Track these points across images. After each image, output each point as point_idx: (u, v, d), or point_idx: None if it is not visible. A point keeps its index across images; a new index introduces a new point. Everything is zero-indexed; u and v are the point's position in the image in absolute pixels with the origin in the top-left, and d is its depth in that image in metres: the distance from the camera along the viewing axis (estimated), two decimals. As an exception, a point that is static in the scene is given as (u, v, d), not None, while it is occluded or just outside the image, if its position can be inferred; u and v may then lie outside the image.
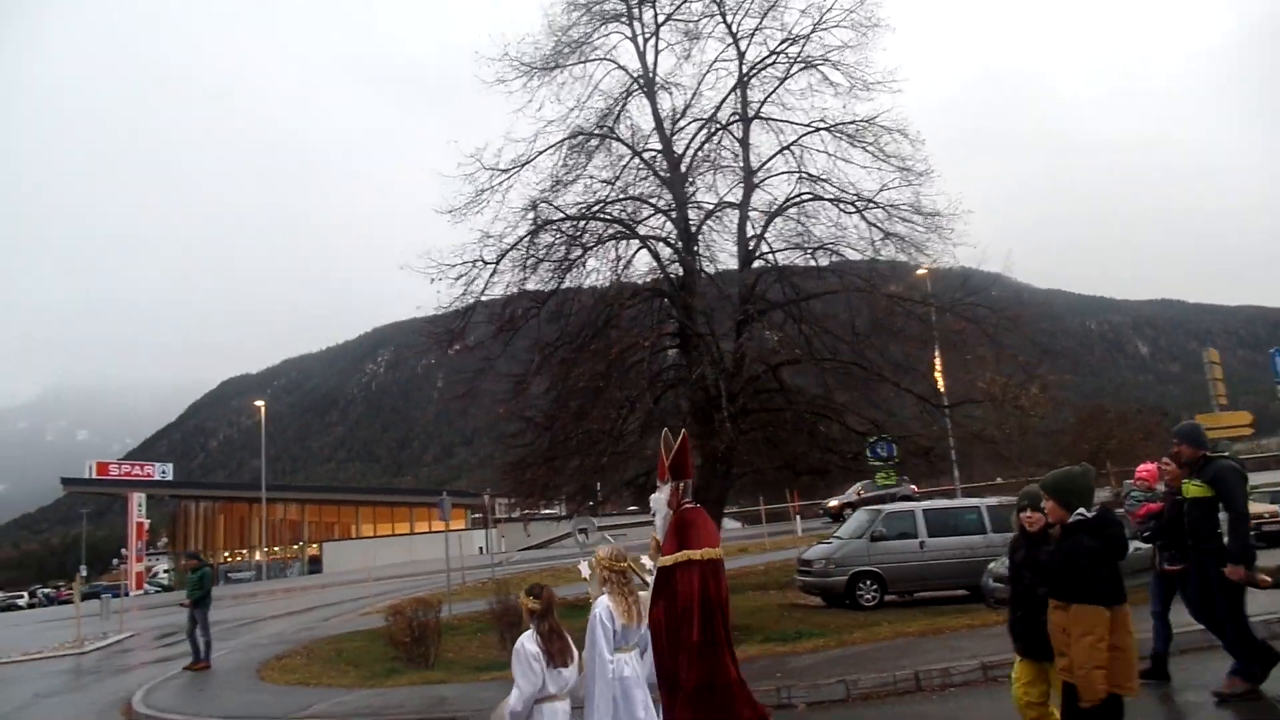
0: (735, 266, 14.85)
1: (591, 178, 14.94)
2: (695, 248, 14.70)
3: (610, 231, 14.65)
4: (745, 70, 14.89)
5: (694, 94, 15.28)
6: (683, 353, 14.29)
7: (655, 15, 15.00)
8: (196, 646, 14.68)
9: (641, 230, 14.85)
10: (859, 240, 14.26)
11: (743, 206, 14.71)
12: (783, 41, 14.70)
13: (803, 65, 14.64)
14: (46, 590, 66.41)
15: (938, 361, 14.28)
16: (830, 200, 14.38)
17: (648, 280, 14.56)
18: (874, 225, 14.15)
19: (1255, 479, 10.35)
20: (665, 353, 14.80)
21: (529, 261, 14.17)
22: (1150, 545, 7.79)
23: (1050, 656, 4.51)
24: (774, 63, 14.87)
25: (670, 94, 15.32)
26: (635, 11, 14.99)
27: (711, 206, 15.08)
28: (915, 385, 13.97)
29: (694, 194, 14.92)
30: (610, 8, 15.02)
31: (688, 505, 6.28)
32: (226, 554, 68.45)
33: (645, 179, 15.14)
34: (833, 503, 34.67)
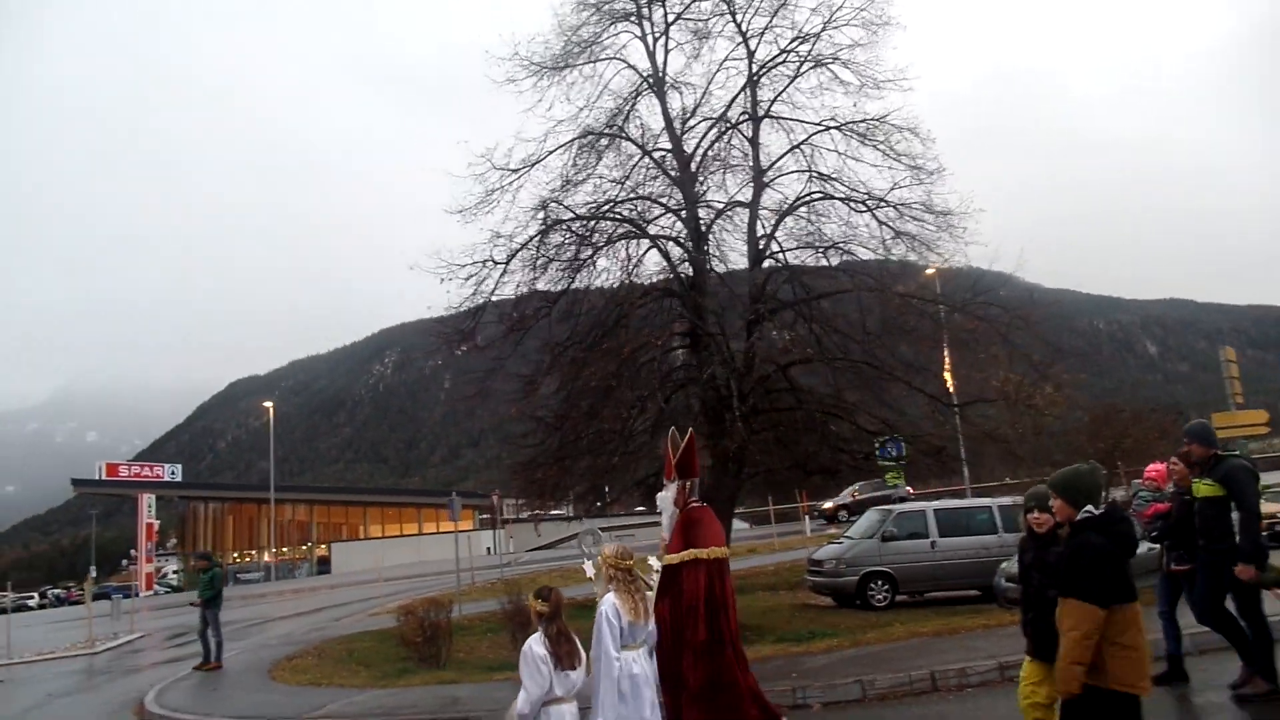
0: (745, 266, 14.81)
1: (601, 177, 14.94)
2: (706, 247, 14.66)
3: (620, 231, 14.62)
4: (755, 69, 14.84)
5: (704, 93, 15.25)
6: (693, 352, 14.25)
7: (665, 14, 14.96)
8: (207, 646, 14.72)
9: (652, 230, 14.82)
10: (870, 239, 14.21)
11: (753, 206, 14.67)
12: (793, 40, 14.65)
13: (813, 64, 14.58)
14: (57, 591, 66.68)
15: (949, 361, 14.22)
16: (841, 199, 14.32)
17: (658, 280, 14.54)
18: (885, 224, 14.09)
19: (1267, 478, 10.27)
20: (675, 352, 14.77)
21: (539, 261, 14.16)
22: (1158, 545, 7.76)
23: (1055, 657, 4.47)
24: (784, 61, 14.82)
25: (680, 93, 15.30)
26: (645, 11, 14.95)
27: (722, 206, 15.05)
28: (927, 385, 13.91)
29: (704, 193, 14.89)
30: (620, 7, 14.99)
31: (694, 504, 6.28)
32: (235, 555, 68.69)
33: (655, 178, 15.12)
34: (828, 505, 34.68)
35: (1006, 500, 15.69)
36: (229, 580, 52.18)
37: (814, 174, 14.61)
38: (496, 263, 14.06)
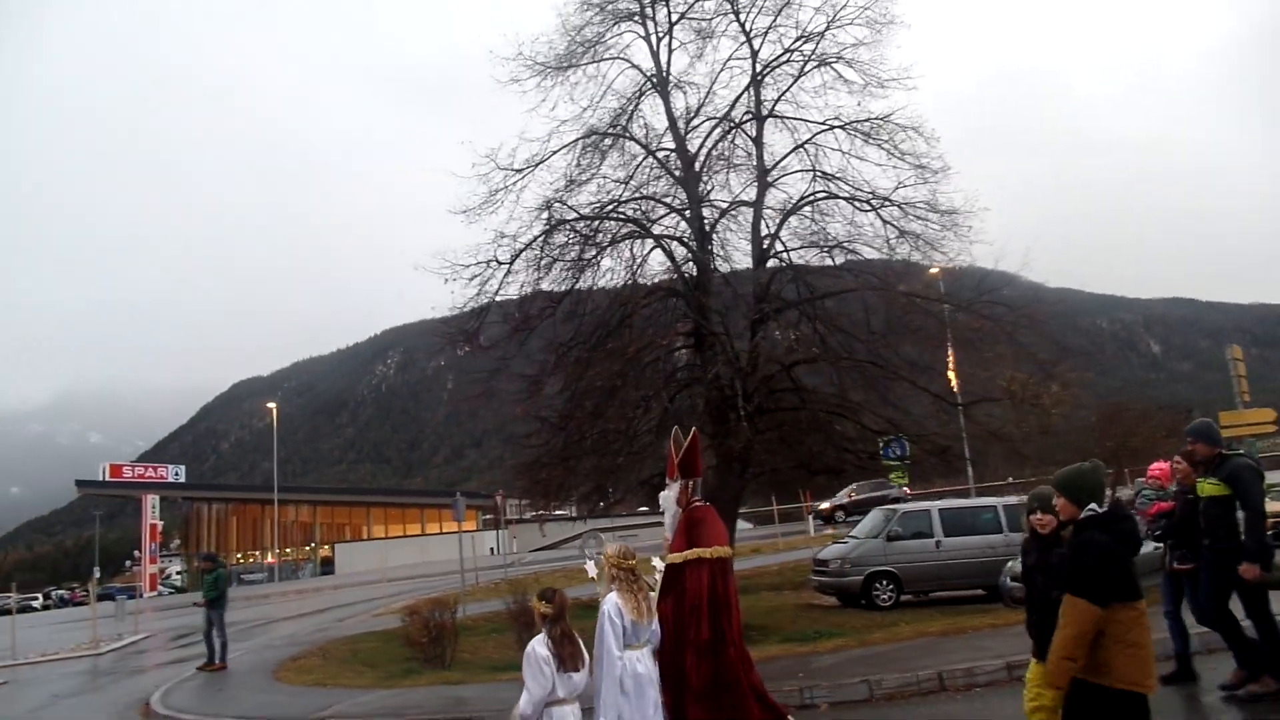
0: (750, 265, 14.79)
1: (605, 177, 14.94)
2: (710, 247, 14.65)
3: (624, 231, 14.62)
4: (759, 68, 14.83)
5: (707, 92, 15.25)
6: (697, 352, 14.24)
7: (669, 14, 14.96)
8: (211, 647, 14.73)
9: (656, 230, 14.82)
10: (875, 238, 14.19)
11: (757, 205, 14.65)
12: (797, 39, 14.64)
13: (817, 63, 14.56)
14: (61, 592, 66.76)
15: (952, 360, 14.19)
16: (845, 198, 14.31)
17: (662, 280, 14.53)
18: (889, 223, 14.08)
19: (1272, 477, 10.24)
20: (680, 352, 14.76)
21: (543, 261, 14.16)
22: (1161, 544, 7.74)
23: None
24: (788, 60, 14.80)
25: (684, 93, 15.30)
26: (648, 10, 14.94)
27: (726, 205, 15.04)
28: (931, 384, 13.89)
29: (708, 193, 14.87)
30: (623, 6, 14.98)
31: (697, 503, 6.27)
32: (239, 555, 68.70)
33: (659, 178, 15.11)
34: (824, 505, 34.76)
35: (1011, 499, 15.67)
36: (233, 581, 52.28)
37: (818, 173, 14.60)
38: (501, 263, 14.07)
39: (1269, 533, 6.82)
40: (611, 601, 5.17)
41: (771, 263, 14.60)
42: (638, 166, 15.04)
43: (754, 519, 43.39)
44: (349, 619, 21.90)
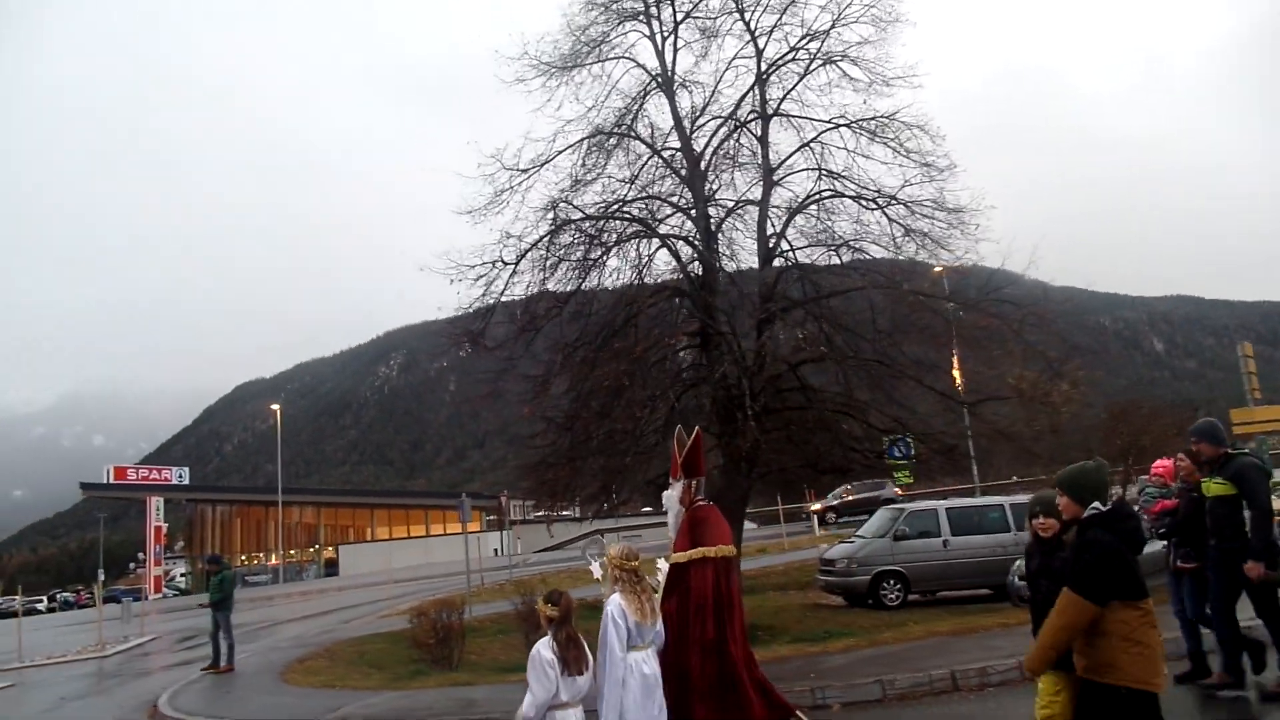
0: (755, 264, 14.76)
1: (610, 177, 14.90)
2: (715, 246, 14.61)
3: (630, 231, 14.58)
4: (764, 67, 14.79)
5: (713, 92, 15.21)
6: (703, 351, 14.20)
7: (674, 13, 14.92)
8: (217, 649, 14.72)
9: (661, 229, 14.78)
10: (881, 236, 14.14)
11: (763, 204, 14.61)
12: (802, 38, 14.60)
13: (822, 61, 14.52)
14: (65, 594, 66.75)
15: (957, 359, 14.14)
16: (851, 197, 14.26)
17: (668, 279, 14.49)
18: (895, 222, 14.02)
19: (1278, 475, 10.19)
20: (686, 352, 14.73)
21: (549, 261, 14.12)
22: (1165, 543, 7.72)
23: (1074, 666, 4.42)
24: (793, 59, 14.76)
25: (689, 92, 15.26)
26: (653, 10, 14.92)
27: (731, 204, 15.02)
28: (938, 383, 13.84)
29: (714, 192, 14.86)
30: (628, 6, 14.96)
31: (700, 503, 6.26)
32: (243, 557, 68.76)
33: (665, 178, 15.09)
34: (815, 506, 34.79)
35: (1019, 498, 15.61)
36: (238, 583, 52.30)
37: (824, 172, 14.56)
38: (506, 263, 14.03)
39: (1276, 531, 6.79)
40: (615, 603, 5.17)
41: (777, 262, 14.56)
42: (643, 166, 15.03)
43: (758, 519, 43.34)
44: (355, 620, 21.89)
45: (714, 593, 5.78)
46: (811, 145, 14.67)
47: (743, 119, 15.01)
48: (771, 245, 14.49)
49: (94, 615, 25.17)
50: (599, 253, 14.44)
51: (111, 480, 67.32)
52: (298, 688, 12.02)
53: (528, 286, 14.21)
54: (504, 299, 14.30)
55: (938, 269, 15.39)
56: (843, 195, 14.38)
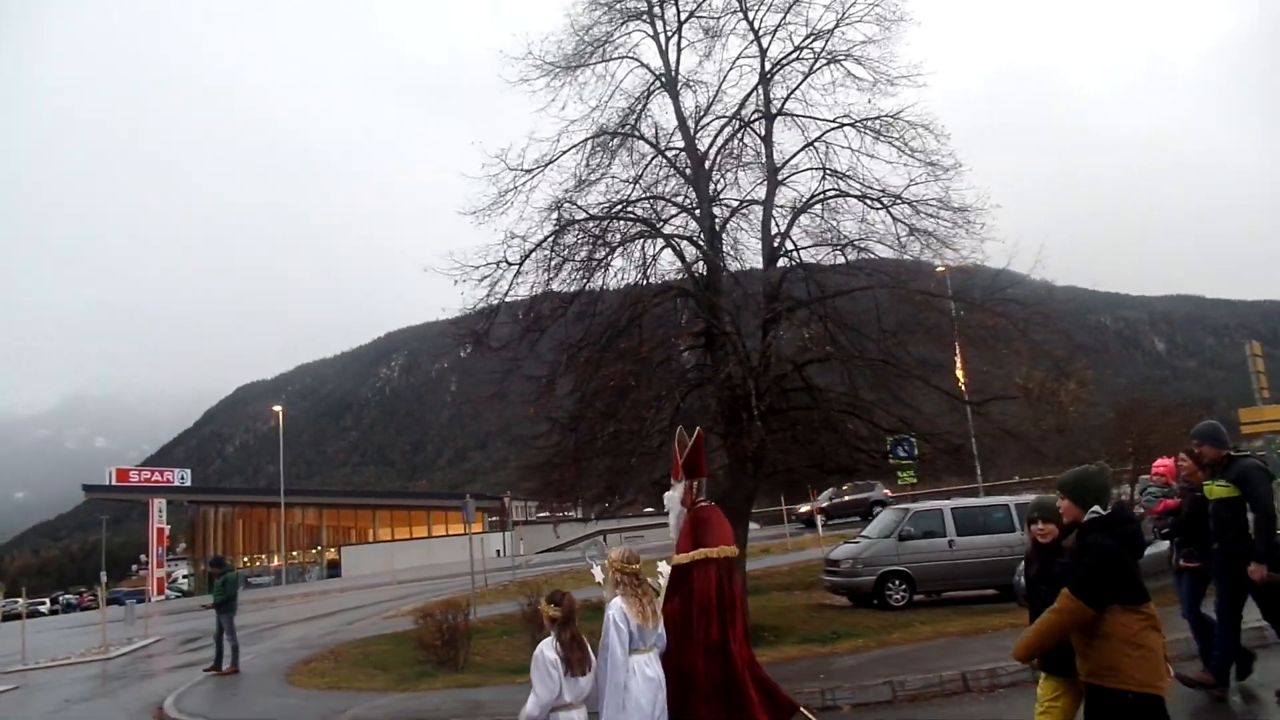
0: (760, 264, 14.72)
1: (615, 177, 14.84)
2: (720, 246, 14.57)
3: (634, 231, 14.54)
4: (768, 67, 14.75)
5: (716, 91, 15.15)
6: (708, 351, 14.17)
7: (677, 13, 14.87)
8: (220, 651, 14.70)
9: (666, 229, 14.72)
10: (886, 235, 14.08)
11: (767, 203, 14.57)
12: (806, 37, 14.54)
13: (826, 60, 14.46)
14: (68, 597, 66.80)
15: (961, 358, 14.10)
16: (856, 196, 14.22)
17: (672, 279, 14.46)
18: (900, 221, 13.97)
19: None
20: (691, 352, 14.69)
21: (553, 262, 14.07)
22: (1167, 542, 7.70)
23: (1074, 671, 4.40)
24: (797, 58, 14.71)
25: (693, 91, 15.20)
26: (657, 10, 14.88)
27: (736, 204, 14.96)
28: (944, 382, 13.81)
29: (720, 191, 14.81)
30: (631, 6, 14.91)
31: (702, 504, 6.24)
32: (246, 559, 68.81)
33: (669, 177, 15.03)
34: (804, 508, 34.74)
35: (1024, 498, 15.59)
36: (241, 584, 52.32)
37: (828, 171, 14.51)
38: (510, 264, 13.98)
39: (1278, 533, 6.77)
40: (616, 606, 5.15)
41: (782, 261, 14.51)
42: (647, 166, 14.97)
43: (761, 519, 43.32)
44: (359, 622, 21.88)
45: (717, 594, 5.76)
46: (816, 145, 14.63)
47: (747, 118, 14.97)
48: (776, 245, 14.45)
49: (97, 617, 25.17)
50: (603, 253, 14.40)
51: (114, 482, 67.36)
52: (303, 689, 12.00)
53: (532, 287, 14.17)
54: (508, 299, 14.26)
55: (940, 268, 15.35)
56: (847, 195, 14.34)
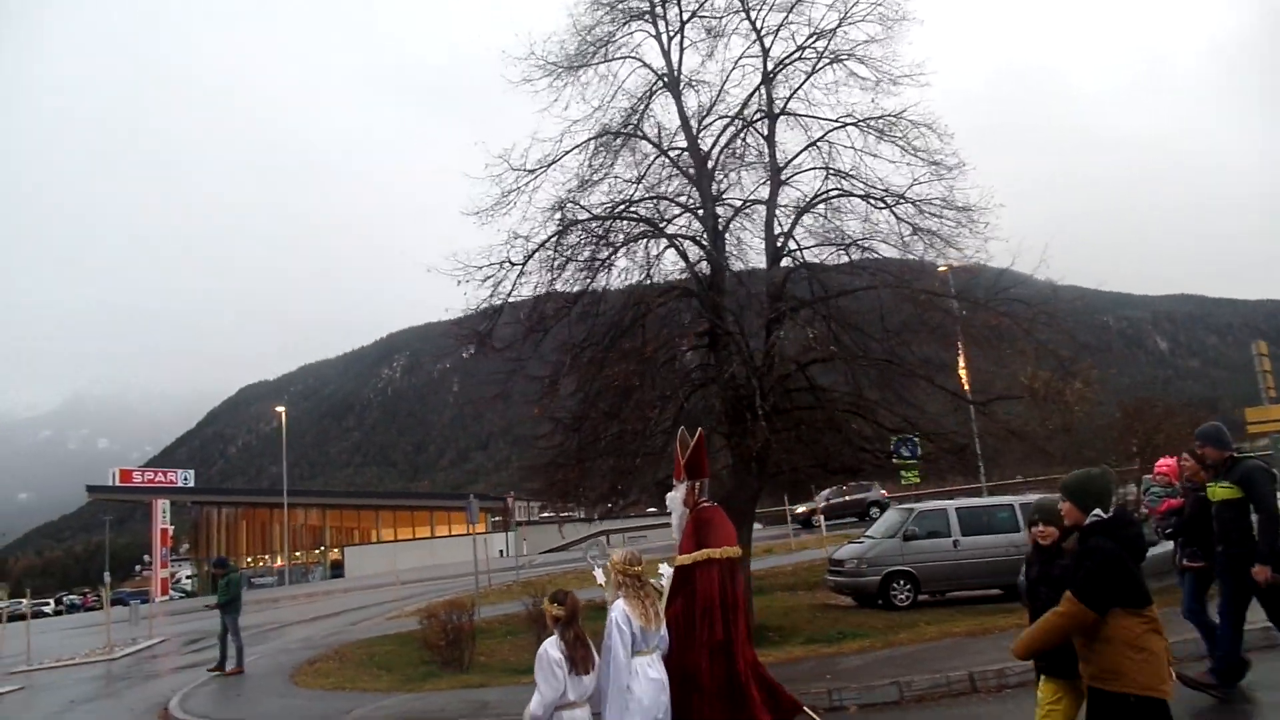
0: (764, 264, 14.71)
1: (618, 177, 14.83)
2: (723, 245, 14.56)
3: (638, 231, 14.53)
4: (770, 66, 14.73)
5: (719, 91, 15.12)
6: (712, 351, 14.16)
7: (679, 12, 14.86)
8: (224, 651, 14.71)
9: (669, 229, 14.71)
10: (890, 235, 14.07)
11: (770, 203, 14.55)
12: (809, 37, 14.52)
13: (829, 60, 14.43)
14: (72, 597, 66.91)
15: (965, 358, 14.08)
16: (860, 196, 14.20)
17: (676, 279, 14.45)
18: (904, 220, 13.96)
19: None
20: (694, 352, 14.69)
21: (557, 262, 14.07)
22: (1172, 543, 7.69)
23: (1075, 674, 4.39)
24: (800, 58, 14.69)
25: (696, 91, 15.19)
26: (659, 9, 14.87)
27: (739, 204, 14.95)
28: (948, 382, 13.79)
29: (723, 191, 14.79)
30: (633, 6, 14.90)
31: (704, 504, 6.24)
32: (249, 559, 68.88)
33: (672, 177, 15.02)
34: (800, 509, 34.70)
35: (1029, 498, 15.56)
36: (245, 585, 52.36)
37: (831, 171, 14.49)
38: (513, 264, 13.98)
39: None
40: (619, 609, 5.15)
41: (785, 261, 14.49)
42: (650, 166, 14.96)
43: (764, 519, 43.32)
44: (363, 622, 21.89)
45: (720, 594, 5.76)
46: (819, 144, 14.60)
47: (749, 118, 14.95)
48: (779, 245, 14.44)
49: (101, 618, 25.19)
50: (607, 253, 14.39)
51: (117, 483, 67.51)
52: (308, 690, 12.01)
53: (535, 287, 14.17)
54: (511, 299, 14.27)
55: (944, 268, 15.32)
56: (851, 194, 14.32)
